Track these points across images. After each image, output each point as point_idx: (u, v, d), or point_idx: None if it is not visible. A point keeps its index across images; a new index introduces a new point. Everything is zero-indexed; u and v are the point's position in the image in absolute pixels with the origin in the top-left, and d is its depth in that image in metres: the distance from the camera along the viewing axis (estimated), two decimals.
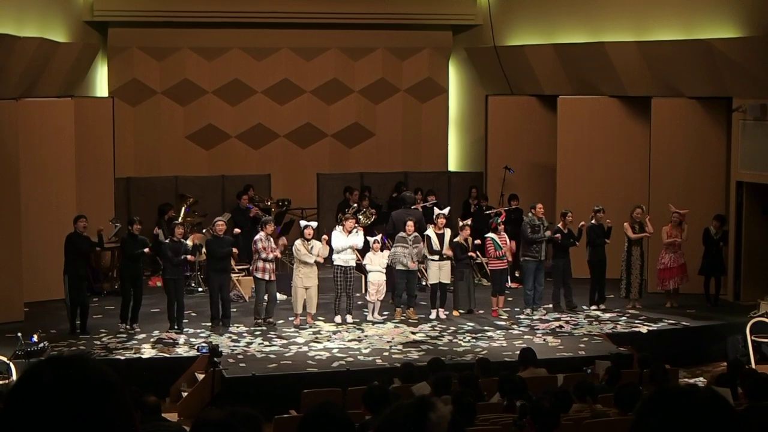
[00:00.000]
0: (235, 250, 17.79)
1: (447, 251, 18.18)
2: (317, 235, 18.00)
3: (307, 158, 24.53)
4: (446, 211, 18.88)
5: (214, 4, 22.96)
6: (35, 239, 18.74)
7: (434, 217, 18.65)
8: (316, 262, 17.66)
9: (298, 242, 17.69)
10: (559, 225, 18.92)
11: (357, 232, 18.13)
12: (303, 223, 18.16)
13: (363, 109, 24.89)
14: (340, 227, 18.15)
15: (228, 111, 24.11)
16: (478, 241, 18.75)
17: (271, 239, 17.73)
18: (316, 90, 24.52)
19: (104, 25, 22.95)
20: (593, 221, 18.92)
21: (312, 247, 17.55)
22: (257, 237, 17.73)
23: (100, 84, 23.41)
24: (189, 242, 18.46)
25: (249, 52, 24.04)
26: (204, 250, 18.62)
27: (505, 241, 18.64)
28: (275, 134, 24.45)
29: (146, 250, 17.55)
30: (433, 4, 24.19)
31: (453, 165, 25.66)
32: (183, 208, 21.56)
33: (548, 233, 18.63)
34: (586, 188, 21.26)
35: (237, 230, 18.28)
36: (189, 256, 17.57)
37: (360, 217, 21.41)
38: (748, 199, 19.69)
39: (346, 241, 17.85)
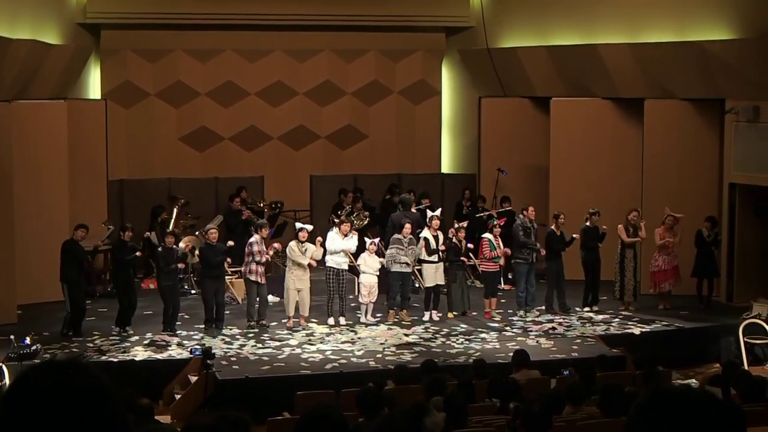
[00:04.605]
0: (228, 259, 17.74)
1: (441, 247, 18.22)
2: (311, 238, 17.99)
3: (300, 160, 24.53)
4: (438, 212, 18.91)
5: (206, 6, 22.94)
6: (28, 241, 18.71)
7: (428, 219, 18.67)
8: (309, 264, 17.68)
9: (292, 243, 17.70)
10: (552, 227, 18.95)
11: (352, 236, 18.16)
12: (298, 225, 18.18)
13: (356, 111, 24.89)
14: (336, 229, 18.16)
15: (221, 113, 24.09)
16: (470, 245, 18.77)
17: (264, 243, 17.75)
18: (309, 92, 24.52)
19: (97, 27, 22.93)
20: (588, 223, 18.96)
21: (306, 250, 17.56)
22: (252, 240, 17.74)
23: (93, 86, 23.38)
24: (182, 245, 18.48)
25: (242, 54, 24.03)
26: (197, 252, 18.63)
27: (499, 243, 18.65)
28: (268, 136, 24.43)
29: (138, 253, 17.63)
30: (426, 6, 24.18)
31: (446, 167, 25.66)
32: (175, 210, 21.54)
33: (538, 245, 18.68)
34: (580, 190, 21.27)
35: (230, 243, 18.17)
36: (181, 265, 17.57)
37: (353, 219, 21.42)
38: (741, 200, 19.72)
39: (341, 243, 17.86)
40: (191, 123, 23.96)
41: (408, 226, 18.21)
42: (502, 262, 18.79)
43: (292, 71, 24.37)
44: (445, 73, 25.51)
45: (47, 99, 20.28)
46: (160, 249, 17.83)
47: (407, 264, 18.18)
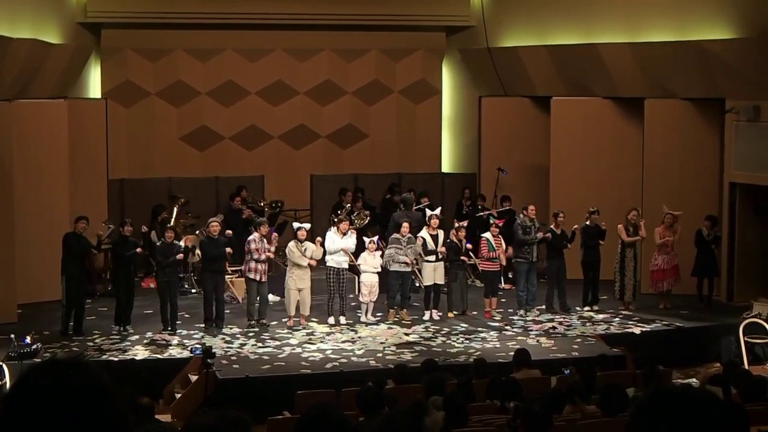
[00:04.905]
0: (229, 249, 17.79)
1: (441, 249, 18.21)
2: (311, 237, 17.99)
3: (300, 159, 24.54)
4: (438, 211, 18.90)
5: (207, 6, 22.94)
6: (29, 241, 18.71)
7: (427, 218, 18.67)
8: (309, 264, 17.67)
9: (291, 244, 17.70)
10: (552, 226, 18.96)
11: (351, 234, 18.14)
12: (296, 224, 18.16)
13: (356, 111, 24.89)
14: (335, 228, 18.16)
15: (221, 112, 24.10)
16: (469, 246, 18.74)
17: (265, 240, 17.74)
18: (309, 91, 24.52)
19: (98, 27, 22.93)
20: (587, 222, 18.96)
21: (305, 249, 17.55)
22: (251, 238, 17.75)
23: (94, 85, 23.38)
24: (182, 243, 18.47)
25: (242, 54, 24.03)
26: (198, 251, 18.62)
27: (500, 242, 18.65)
28: (269, 135, 24.44)
29: (138, 249, 17.60)
30: (426, 6, 24.19)
31: (446, 166, 25.67)
32: (175, 209, 21.55)
33: (540, 234, 18.67)
34: (580, 189, 21.28)
35: (229, 232, 18.23)
36: (179, 255, 17.56)
37: (353, 218, 21.41)
38: (741, 200, 19.72)
39: (340, 242, 17.85)
40: (192, 122, 23.96)
41: (405, 225, 18.21)
42: (503, 261, 18.79)
43: (293, 70, 24.37)
44: (446, 72, 25.51)
45: (48, 98, 20.28)
46: (159, 243, 17.82)
47: (406, 263, 18.17)
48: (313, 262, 17.73)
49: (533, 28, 22.81)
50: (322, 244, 17.82)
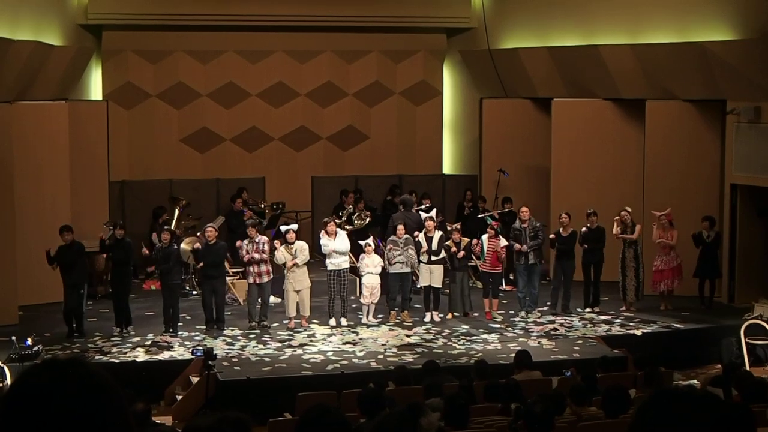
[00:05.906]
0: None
1: (423, 249, 18.15)
2: (310, 238, 17.94)
3: (301, 161, 24.54)
4: (433, 213, 18.87)
5: (208, 7, 22.96)
6: (30, 242, 18.69)
7: (423, 220, 18.66)
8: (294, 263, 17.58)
9: (282, 248, 17.60)
10: (560, 230, 18.90)
11: (340, 233, 18.03)
12: (283, 228, 18.11)
13: (357, 112, 24.89)
14: (323, 233, 18.01)
15: (222, 114, 24.10)
16: (475, 241, 18.68)
17: (263, 241, 17.65)
18: (310, 93, 24.53)
19: (98, 29, 22.94)
20: (588, 225, 18.93)
21: (296, 250, 17.51)
22: (241, 243, 17.78)
23: (95, 87, 23.39)
24: (185, 246, 18.45)
25: (243, 55, 24.04)
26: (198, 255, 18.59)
27: (494, 245, 18.51)
28: (270, 137, 24.44)
29: (145, 251, 17.62)
30: (427, 7, 24.20)
31: (447, 168, 25.66)
32: (176, 211, 21.55)
33: (516, 246, 18.54)
34: (581, 191, 21.25)
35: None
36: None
37: (354, 219, 21.41)
38: (743, 201, 19.71)
39: (332, 245, 17.78)
40: (192, 124, 23.97)
41: (401, 227, 18.19)
42: (492, 265, 18.69)
43: (294, 72, 24.38)
44: (447, 73, 25.51)
45: (48, 100, 20.28)
46: (157, 245, 17.80)
47: (402, 264, 18.11)
48: (298, 261, 17.56)
49: (534, 30, 22.80)
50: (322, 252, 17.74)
